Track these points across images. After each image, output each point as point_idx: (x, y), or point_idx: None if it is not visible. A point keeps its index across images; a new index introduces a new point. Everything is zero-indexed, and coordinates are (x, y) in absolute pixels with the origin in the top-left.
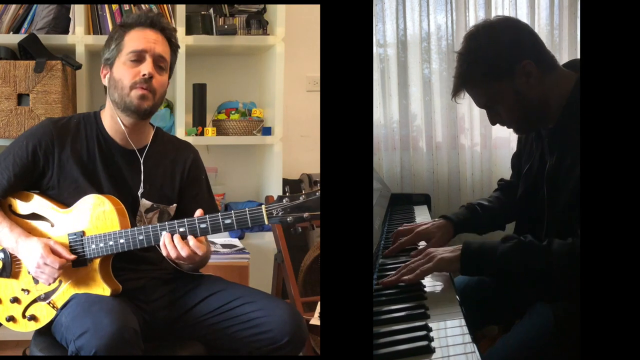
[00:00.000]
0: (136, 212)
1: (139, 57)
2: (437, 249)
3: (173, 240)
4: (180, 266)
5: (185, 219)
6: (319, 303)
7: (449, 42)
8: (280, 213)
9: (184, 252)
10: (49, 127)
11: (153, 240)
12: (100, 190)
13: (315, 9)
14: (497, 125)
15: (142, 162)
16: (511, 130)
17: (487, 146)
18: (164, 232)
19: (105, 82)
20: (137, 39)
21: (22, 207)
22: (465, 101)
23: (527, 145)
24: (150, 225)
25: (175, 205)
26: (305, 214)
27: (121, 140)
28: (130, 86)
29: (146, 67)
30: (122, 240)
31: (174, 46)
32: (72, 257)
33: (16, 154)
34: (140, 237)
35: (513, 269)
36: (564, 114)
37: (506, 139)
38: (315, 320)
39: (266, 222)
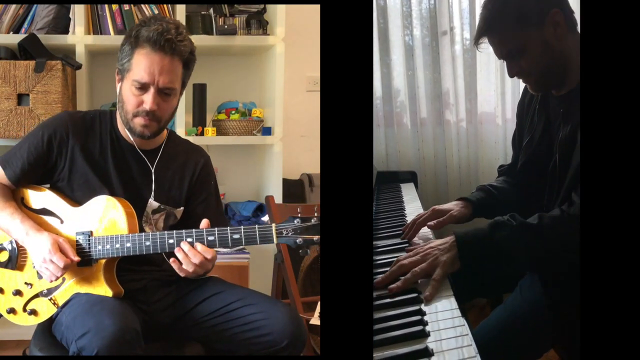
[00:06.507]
0: (143, 212)
1: (142, 87)
2: (433, 249)
3: (185, 251)
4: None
5: (194, 230)
6: (319, 303)
7: (430, 6)
8: (291, 233)
9: (196, 260)
10: (65, 119)
11: (159, 247)
12: (109, 187)
13: (315, 9)
14: (483, 99)
15: (153, 167)
16: (497, 105)
17: (473, 122)
18: (177, 242)
19: (117, 88)
20: (143, 66)
21: (34, 200)
22: (449, 75)
23: (528, 119)
24: (157, 233)
25: (182, 208)
26: (316, 237)
27: (133, 141)
28: (133, 113)
29: (149, 101)
30: (128, 245)
31: (188, 63)
32: (77, 258)
33: (31, 142)
34: (147, 243)
35: (513, 254)
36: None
37: (492, 114)
38: (315, 320)
39: (275, 241)
